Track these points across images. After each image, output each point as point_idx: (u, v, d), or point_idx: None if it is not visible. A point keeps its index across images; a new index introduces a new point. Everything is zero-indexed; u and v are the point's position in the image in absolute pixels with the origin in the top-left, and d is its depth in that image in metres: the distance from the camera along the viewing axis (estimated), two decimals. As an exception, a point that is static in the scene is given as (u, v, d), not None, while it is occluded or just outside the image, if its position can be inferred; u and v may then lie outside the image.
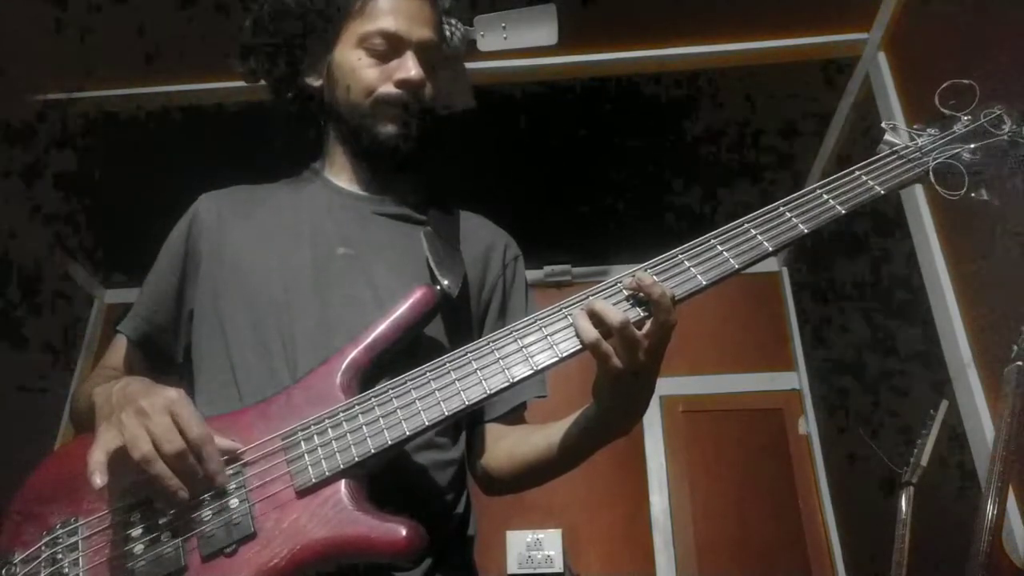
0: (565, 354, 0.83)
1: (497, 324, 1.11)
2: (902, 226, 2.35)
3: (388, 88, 1.07)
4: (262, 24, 1.12)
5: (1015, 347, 1.52)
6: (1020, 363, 1.51)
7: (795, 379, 3.51)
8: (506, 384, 0.83)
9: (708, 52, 2.57)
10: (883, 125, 0.95)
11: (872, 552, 2.47)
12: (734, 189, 3.17)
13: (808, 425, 3.38)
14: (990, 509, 1.45)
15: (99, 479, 0.75)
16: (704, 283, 0.84)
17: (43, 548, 0.81)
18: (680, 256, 0.86)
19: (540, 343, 0.84)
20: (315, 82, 1.14)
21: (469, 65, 2.42)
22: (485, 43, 2.34)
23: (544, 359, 0.83)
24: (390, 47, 1.08)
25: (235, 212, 1.11)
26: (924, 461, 1.94)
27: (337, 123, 1.13)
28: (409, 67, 1.07)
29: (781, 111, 2.83)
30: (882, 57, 2.47)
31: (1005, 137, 0.93)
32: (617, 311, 0.80)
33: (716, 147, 2.99)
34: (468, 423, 1.07)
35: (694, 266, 0.85)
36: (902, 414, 2.42)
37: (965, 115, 0.95)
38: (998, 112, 0.94)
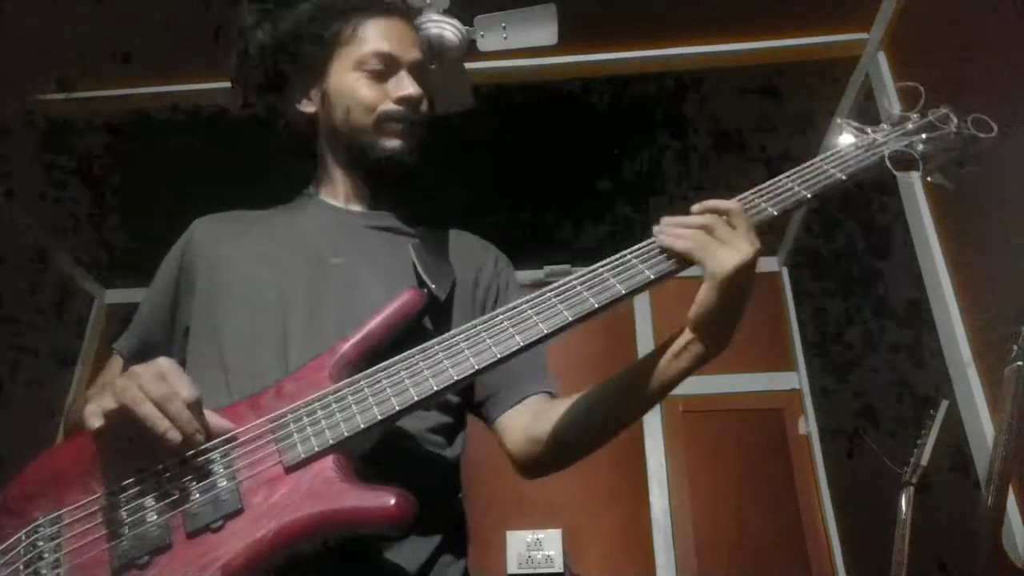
0: (555, 328, 0.85)
1: None
2: (902, 226, 2.35)
3: (389, 105, 1.12)
4: (251, 56, 1.17)
5: (1015, 347, 1.52)
6: (1020, 363, 1.51)
7: (795, 379, 3.51)
8: (493, 359, 0.84)
9: (708, 52, 2.57)
10: (838, 122, 1.05)
11: (872, 552, 2.47)
12: (734, 188, 3.16)
13: (808, 425, 3.38)
14: (990, 509, 1.45)
15: (95, 421, 0.76)
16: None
17: (23, 537, 0.81)
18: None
19: (526, 322, 0.86)
20: (307, 108, 1.18)
21: (469, 65, 2.42)
22: (485, 43, 2.34)
23: (532, 334, 0.85)
24: (386, 68, 1.14)
25: (230, 231, 1.15)
26: (924, 461, 1.94)
27: (336, 145, 1.18)
28: (407, 84, 1.13)
29: (781, 111, 2.82)
30: (882, 57, 2.47)
31: (952, 130, 1.02)
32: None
33: (715, 147, 2.99)
34: (490, 405, 1.08)
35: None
36: (902, 414, 2.42)
37: (914, 113, 1.05)
38: (944, 112, 1.04)
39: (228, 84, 1.22)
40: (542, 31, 2.30)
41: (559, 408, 1.02)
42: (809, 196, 0.94)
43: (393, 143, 1.12)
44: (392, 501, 0.77)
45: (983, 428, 1.89)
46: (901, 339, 2.46)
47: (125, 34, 2.37)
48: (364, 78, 1.13)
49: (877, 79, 2.47)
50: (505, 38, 2.32)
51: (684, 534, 3.26)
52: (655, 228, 0.91)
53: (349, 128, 1.13)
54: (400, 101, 1.12)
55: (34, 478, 0.87)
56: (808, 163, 0.98)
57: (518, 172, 3.02)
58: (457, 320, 1.08)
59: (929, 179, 1.02)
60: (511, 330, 0.85)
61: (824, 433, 3.27)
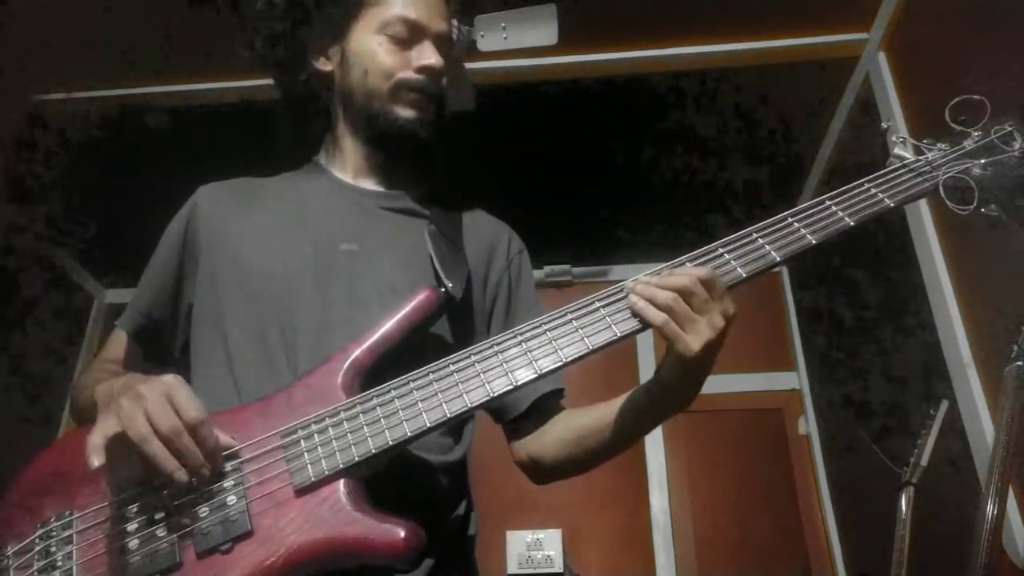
0: (569, 359, 0.84)
1: (504, 320, 1.11)
2: (902, 225, 2.35)
3: (408, 73, 1.09)
4: (275, 5, 1.13)
5: (1015, 347, 1.52)
6: (1020, 363, 1.51)
7: (795, 379, 3.51)
8: (509, 387, 0.83)
9: (708, 52, 2.57)
10: (893, 139, 0.94)
11: (872, 552, 2.47)
12: (734, 188, 3.17)
13: (808, 425, 3.38)
14: (990, 509, 1.45)
15: (96, 460, 0.74)
16: None
17: (37, 540, 0.81)
18: (686, 264, 0.88)
19: (544, 347, 0.85)
20: (324, 67, 1.14)
21: (469, 65, 2.41)
22: (485, 43, 2.34)
23: (548, 363, 0.84)
24: (410, 35, 1.10)
25: (236, 205, 1.10)
26: (924, 461, 1.94)
27: (349, 110, 1.13)
28: (430, 54, 1.09)
29: (780, 111, 2.82)
30: (882, 57, 2.47)
31: (1016, 154, 0.92)
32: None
33: (715, 146, 2.99)
34: (502, 414, 1.09)
35: None
36: (902, 414, 2.42)
37: (975, 131, 0.94)
38: (1009, 129, 0.93)
39: (231, 84, 1.22)
40: (542, 31, 2.29)
41: (565, 422, 1.04)
42: (852, 224, 0.88)
43: (407, 112, 1.08)
44: (402, 534, 0.77)
45: (983, 428, 1.89)
46: (901, 339, 2.46)
47: (125, 35, 2.37)
48: (386, 42, 1.09)
49: (877, 79, 2.47)
50: (505, 38, 2.32)
51: (684, 534, 3.26)
52: (628, 284, 0.87)
53: (364, 92, 1.09)
54: (421, 70, 1.08)
55: (44, 473, 0.87)
56: (853, 185, 0.90)
57: (517, 173, 3.02)
58: (470, 313, 1.07)
59: (983, 210, 0.92)
60: (527, 356, 0.85)
61: (824, 433, 3.27)
